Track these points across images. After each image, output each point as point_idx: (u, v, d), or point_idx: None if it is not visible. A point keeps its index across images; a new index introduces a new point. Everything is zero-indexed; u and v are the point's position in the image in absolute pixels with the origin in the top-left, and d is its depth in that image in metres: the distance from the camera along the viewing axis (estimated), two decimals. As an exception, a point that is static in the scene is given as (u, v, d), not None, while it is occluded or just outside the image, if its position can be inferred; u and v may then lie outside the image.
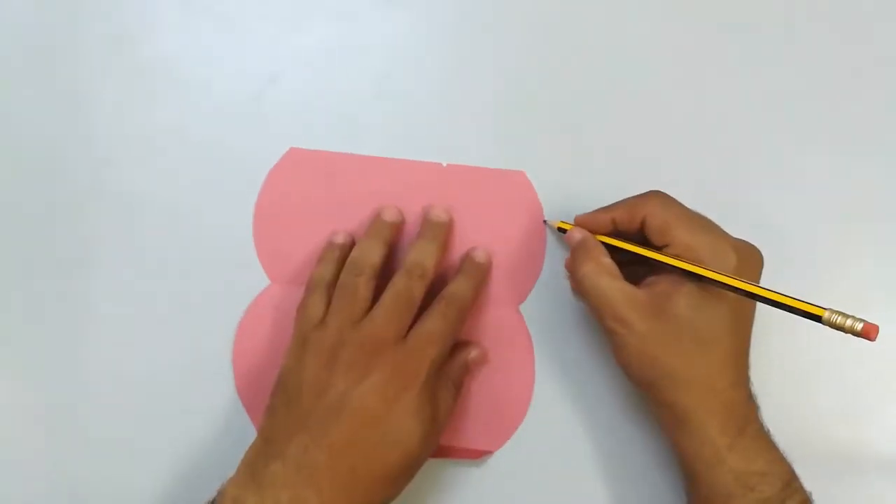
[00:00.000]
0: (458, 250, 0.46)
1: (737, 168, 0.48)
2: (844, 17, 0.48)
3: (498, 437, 0.46)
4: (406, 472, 0.39)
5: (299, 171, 0.46)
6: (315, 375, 0.38)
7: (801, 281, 0.47)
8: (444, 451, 0.45)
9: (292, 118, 0.47)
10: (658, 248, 0.40)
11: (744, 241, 0.41)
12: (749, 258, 0.40)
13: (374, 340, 0.39)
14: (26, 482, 0.46)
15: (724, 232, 0.40)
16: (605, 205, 0.43)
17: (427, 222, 0.44)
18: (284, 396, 0.39)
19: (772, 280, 0.46)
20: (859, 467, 0.46)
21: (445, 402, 0.41)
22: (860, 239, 0.47)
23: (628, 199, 0.42)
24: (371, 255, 0.42)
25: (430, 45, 0.48)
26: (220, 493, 0.37)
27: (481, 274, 0.44)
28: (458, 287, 0.42)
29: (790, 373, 0.46)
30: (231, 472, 0.39)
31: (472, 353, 0.44)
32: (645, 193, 0.42)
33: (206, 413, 0.46)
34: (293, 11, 0.48)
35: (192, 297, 0.46)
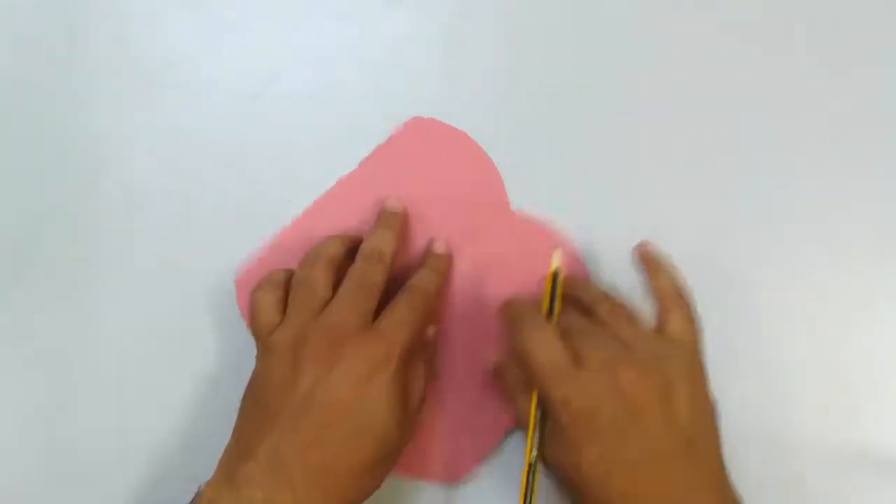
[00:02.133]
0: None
1: (737, 168, 0.48)
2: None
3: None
4: (383, 461, 0.38)
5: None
6: (281, 375, 0.38)
7: (801, 280, 0.47)
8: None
9: (292, 118, 0.47)
10: None
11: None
12: None
13: (337, 329, 0.38)
14: (26, 482, 0.46)
15: None
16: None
17: (383, 211, 0.44)
18: (253, 398, 0.38)
19: (772, 280, 0.46)
20: (859, 467, 0.46)
21: (418, 388, 0.40)
22: (860, 239, 0.47)
23: None
24: (327, 246, 0.42)
25: (429, 44, 0.48)
26: (198, 494, 0.37)
27: (443, 264, 0.44)
28: (421, 277, 0.42)
29: (790, 373, 0.47)
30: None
31: (430, 331, 0.44)
32: None
33: (209, 413, 0.46)
34: (293, 11, 0.48)
35: (194, 297, 0.46)
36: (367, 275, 0.40)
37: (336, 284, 0.40)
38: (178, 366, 0.46)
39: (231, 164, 0.47)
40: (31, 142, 0.47)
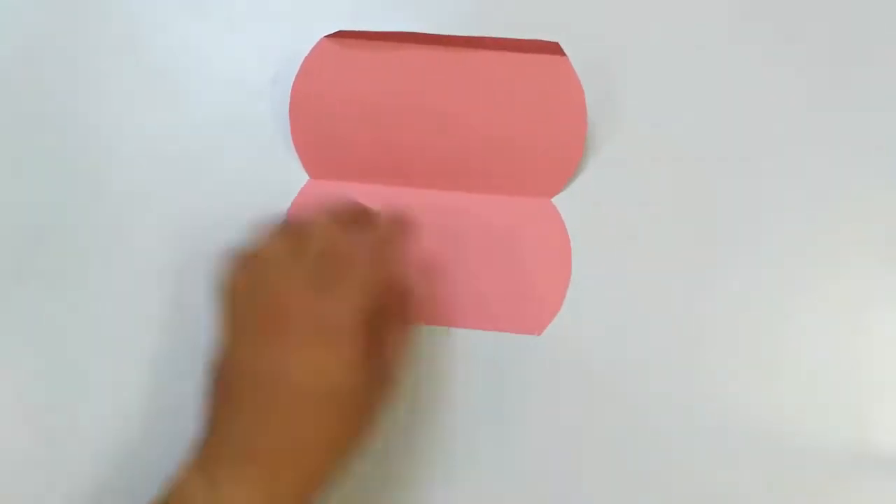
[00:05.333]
0: (496, 135, 0.46)
1: (737, 167, 0.48)
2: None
3: (535, 325, 0.47)
4: (358, 428, 0.37)
5: (334, 61, 0.45)
6: (241, 355, 0.37)
7: (800, 280, 0.47)
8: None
9: (293, 119, 0.47)
10: None
11: None
12: None
13: (289, 302, 0.37)
14: (24, 483, 0.46)
15: None
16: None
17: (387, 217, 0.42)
18: (218, 380, 0.38)
19: (772, 279, 0.46)
20: (859, 467, 0.46)
21: (389, 345, 0.40)
22: (860, 239, 0.47)
23: None
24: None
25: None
26: (171, 480, 0.36)
27: (400, 225, 0.42)
28: (380, 237, 0.41)
29: (790, 372, 0.47)
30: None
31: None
32: None
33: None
34: (294, 13, 0.48)
35: (192, 299, 0.46)
36: (331, 243, 0.38)
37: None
38: (178, 367, 0.46)
39: (232, 166, 0.47)
40: (33, 142, 0.47)
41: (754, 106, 0.48)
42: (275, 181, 0.47)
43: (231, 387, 0.37)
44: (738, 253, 0.47)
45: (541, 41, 0.44)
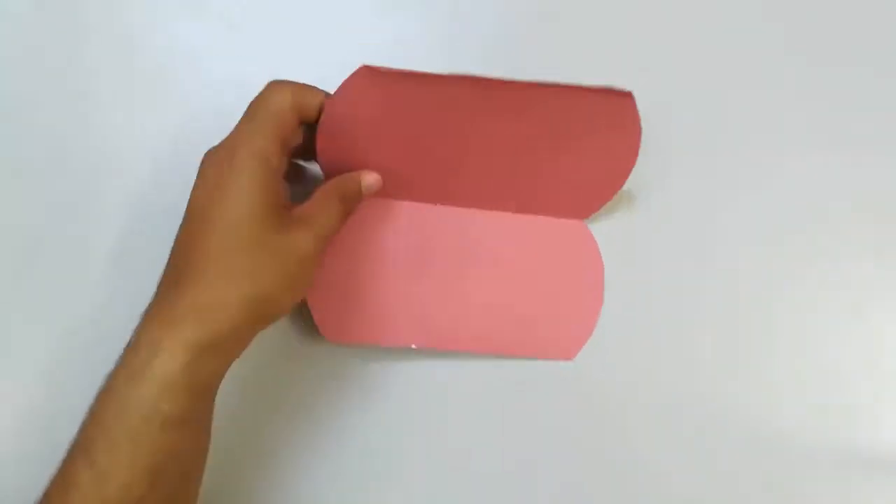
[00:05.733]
0: (538, 158, 0.44)
1: (737, 166, 0.48)
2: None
3: (568, 349, 0.46)
4: (277, 281, 0.37)
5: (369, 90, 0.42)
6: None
7: (800, 280, 0.47)
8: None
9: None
10: None
11: None
12: None
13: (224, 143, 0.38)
14: (25, 483, 0.46)
15: None
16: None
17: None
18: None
19: (772, 278, 0.46)
20: (859, 467, 0.46)
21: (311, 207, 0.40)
22: (860, 239, 0.47)
23: None
24: None
25: (429, 48, 0.48)
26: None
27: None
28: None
29: (790, 372, 0.47)
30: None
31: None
32: None
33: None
34: (294, 14, 0.48)
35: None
36: None
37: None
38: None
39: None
40: (32, 142, 0.47)
41: (754, 105, 0.48)
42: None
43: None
44: (738, 253, 0.47)
45: (608, 88, 0.41)
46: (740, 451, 0.45)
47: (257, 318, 0.36)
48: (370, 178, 0.42)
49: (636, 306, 0.47)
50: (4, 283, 0.46)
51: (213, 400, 0.36)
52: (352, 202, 0.41)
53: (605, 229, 0.47)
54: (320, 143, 0.42)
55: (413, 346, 0.45)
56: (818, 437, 0.46)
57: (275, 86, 0.39)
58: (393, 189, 0.45)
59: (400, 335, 0.45)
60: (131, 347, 0.35)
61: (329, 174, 0.43)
